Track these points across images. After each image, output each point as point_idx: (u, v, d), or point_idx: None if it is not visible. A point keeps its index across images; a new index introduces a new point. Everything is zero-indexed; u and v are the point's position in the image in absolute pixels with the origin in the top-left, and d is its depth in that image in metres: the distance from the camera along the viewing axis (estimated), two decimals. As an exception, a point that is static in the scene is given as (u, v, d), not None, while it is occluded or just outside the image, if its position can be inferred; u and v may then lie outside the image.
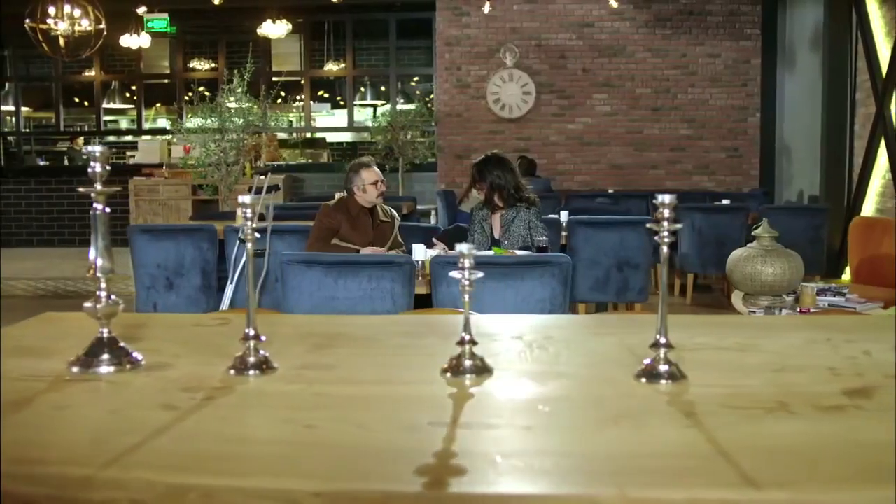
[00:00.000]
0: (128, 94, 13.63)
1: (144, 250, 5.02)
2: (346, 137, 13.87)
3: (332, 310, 3.32)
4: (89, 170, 1.72)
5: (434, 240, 4.26)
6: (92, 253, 1.74)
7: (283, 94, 13.94)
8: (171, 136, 8.90)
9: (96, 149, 1.69)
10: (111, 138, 13.70)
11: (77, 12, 7.07)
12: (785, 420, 1.35)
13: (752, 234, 4.17)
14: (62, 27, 6.95)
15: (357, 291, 3.35)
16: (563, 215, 6.05)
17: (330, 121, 14.07)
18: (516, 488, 1.06)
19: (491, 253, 4.08)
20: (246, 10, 11.35)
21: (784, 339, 1.96)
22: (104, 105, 13.34)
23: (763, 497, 1.03)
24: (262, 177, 4.92)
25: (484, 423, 1.34)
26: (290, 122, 13.89)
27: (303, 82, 12.92)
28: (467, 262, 1.62)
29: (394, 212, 4.70)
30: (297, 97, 13.74)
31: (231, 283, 4.76)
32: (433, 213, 10.48)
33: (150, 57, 13.16)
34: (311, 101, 13.82)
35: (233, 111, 7.13)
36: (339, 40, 13.16)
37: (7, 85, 13.09)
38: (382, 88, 13.55)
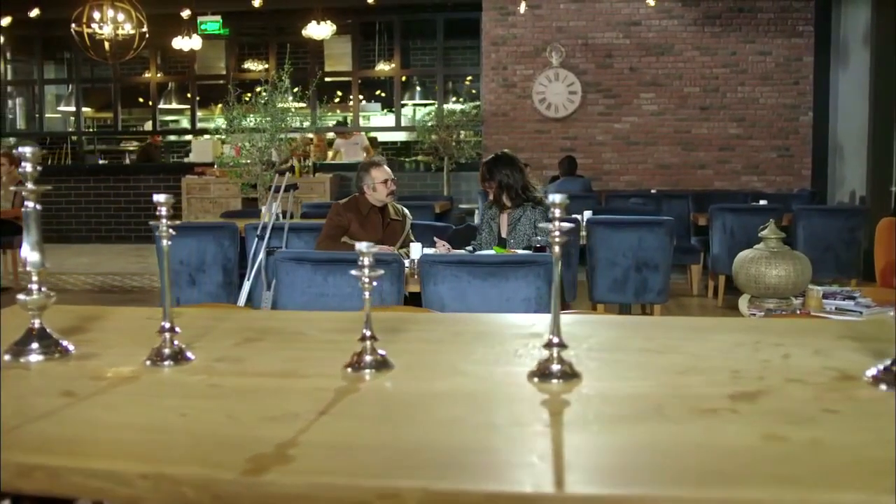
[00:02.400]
0: (189, 95, 13.99)
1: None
2: (401, 137, 13.99)
3: (323, 306, 3.39)
4: (20, 169, 1.81)
5: (435, 239, 4.31)
6: (24, 248, 1.84)
7: (339, 93, 14.15)
8: (224, 136, 9.10)
9: (27, 149, 1.79)
10: (172, 137, 14.13)
11: (120, 16, 7.33)
12: (647, 421, 1.36)
13: (759, 235, 4.10)
14: (106, 31, 7.21)
15: (345, 288, 3.42)
16: (587, 214, 6.02)
17: (383, 120, 14.21)
18: (321, 479, 1.10)
19: (492, 252, 4.10)
20: (297, 11, 11.55)
21: (713, 341, 1.95)
22: (164, 105, 13.75)
23: (555, 494, 1.04)
24: (281, 175, 5.03)
25: (347, 416, 1.39)
26: (345, 121, 14.06)
27: (352, 82, 13.06)
28: (366, 261, 1.66)
29: (405, 210, 4.75)
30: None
31: (248, 279, 4.89)
32: (476, 212, 10.54)
33: (206, 58, 13.49)
34: (365, 101, 14.01)
35: (270, 111, 7.27)
36: (389, 41, 13.29)
37: (70, 86, 13.59)
38: (437, 88, 13.64)
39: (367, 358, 1.66)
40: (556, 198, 1.58)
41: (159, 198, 1.70)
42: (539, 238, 4.15)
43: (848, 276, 6.44)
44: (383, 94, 14.39)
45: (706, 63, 10.85)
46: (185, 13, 9.27)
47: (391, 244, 4.53)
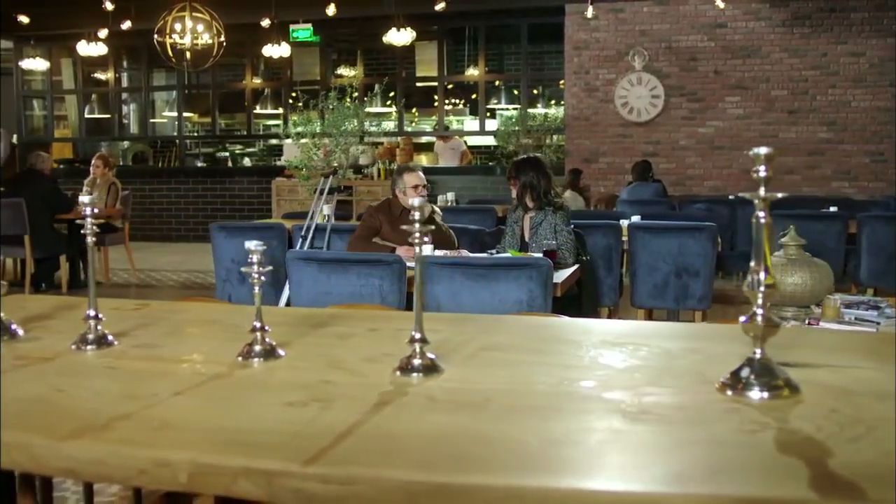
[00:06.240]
0: (291, 100, 14.49)
1: (222, 246, 5.48)
2: (490, 141, 14.11)
3: (327, 303, 3.55)
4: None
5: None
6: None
7: (436, 97, 14.39)
8: (293, 139, 9.45)
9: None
10: (273, 141, 14.68)
11: (199, 27, 7.76)
12: (461, 413, 1.45)
13: (779, 242, 4.03)
14: (187, 41, 7.65)
15: (347, 287, 3.58)
16: (635, 219, 5.99)
17: (471, 125, 14.36)
18: (114, 447, 1.26)
19: (507, 255, 4.18)
20: (387, 17, 11.80)
21: (620, 343, 1.97)
22: (261, 110, 14.33)
23: (297, 471, 1.16)
24: (326, 178, 5.25)
25: (197, 397, 1.53)
26: (444, 126, 14.27)
27: (438, 87, 13.25)
28: (255, 258, 1.81)
29: (436, 209, 4.88)
30: (448, 101, 14.06)
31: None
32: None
33: (303, 64, 13.94)
34: (454, 106, 14.21)
35: (335, 117, 7.53)
36: (474, 46, 13.42)
37: (174, 92, 14.36)
38: (520, 92, 13.68)
39: (257, 348, 1.81)
40: (414, 201, 1.69)
41: (84, 199, 1.89)
42: (549, 242, 4.21)
43: (913, 287, 6.16)
44: (475, 97, 14.54)
45: (795, 65, 10.52)
46: (265, 22, 9.67)
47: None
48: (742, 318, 1.61)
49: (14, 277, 8.23)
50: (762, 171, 1.57)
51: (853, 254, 6.46)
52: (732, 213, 8.27)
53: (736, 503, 1.11)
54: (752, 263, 1.61)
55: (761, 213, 1.59)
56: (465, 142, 13.53)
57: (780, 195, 1.60)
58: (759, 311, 1.58)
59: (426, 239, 1.72)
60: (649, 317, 5.80)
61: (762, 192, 1.58)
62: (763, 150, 1.56)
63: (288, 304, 5.00)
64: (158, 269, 9.80)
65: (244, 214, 12.66)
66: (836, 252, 6.41)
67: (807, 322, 3.71)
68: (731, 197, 9.60)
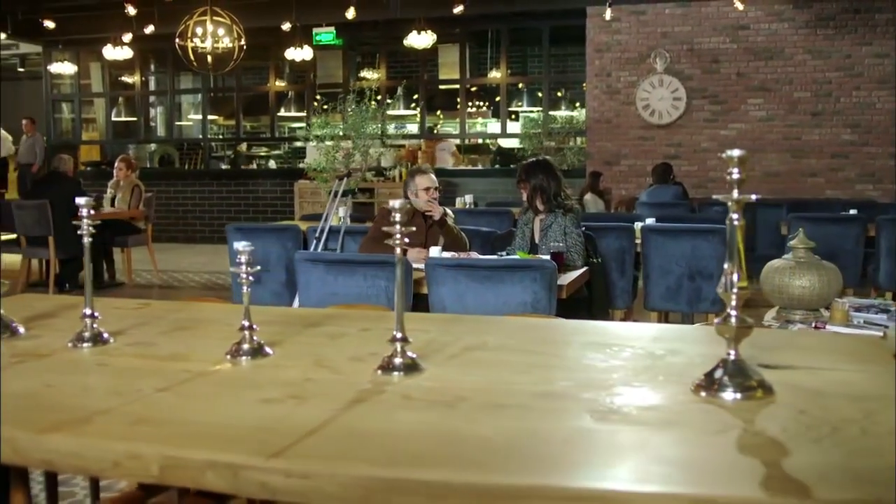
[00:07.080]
0: (315, 103, 14.58)
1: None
2: (512, 143, 14.11)
3: (334, 304, 3.60)
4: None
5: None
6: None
7: (458, 100, 14.42)
8: (313, 141, 9.53)
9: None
10: (298, 144, 14.78)
11: (220, 31, 7.86)
12: (430, 411, 1.48)
13: (788, 245, 4.01)
14: (207, 45, 7.75)
15: (354, 289, 3.62)
16: (649, 222, 5.98)
17: (493, 127, 14.38)
18: (88, 440, 1.30)
19: (515, 257, 4.20)
20: (409, 21, 11.85)
21: (606, 345, 1.99)
22: (285, 113, 14.45)
23: (260, 465, 1.20)
24: (340, 180, 5.30)
25: (181, 394, 1.58)
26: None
27: (459, 90, 13.28)
28: (243, 258, 1.85)
29: (449, 211, 4.90)
30: (472, 104, 14.06)
31: (303, 278, 5.16)
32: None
33: (327, 67, 14.04)
34: (480, 108, 14.23)
35: (352, 119, 7.58)
36: (496, 49, 13.44)
37: (199, 96, 14.52)
38: (542, 95, 13.66)
39: (245, 346, 1.85)
40: (395, 203, 1.72)
41: (80, 201, 1.94)
42: (557, 244, 4.23)
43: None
44: (498, 100, 14.54)
45: (818, 67, 10.42)
46: (286, 25, 9.77)
47: (433, 246, 4.68)
48: (716, 320, 1.63)
49: (39, 278, 8.37)
50: (735, 174, 1.59)
51: (872, 257, 6.40)
52: (752, 216, 8.22)
53: (690, 502, 1.13)
54: (726, 265, 1.63)
55: (735, 216, 1.61)
56: (492, 143, 13.61)
57: (753, 197, 1.62)
58: (733, 313, 1.60)
59: (406, 240, 1.75)
60: (665, 320, 5.79)
61: (735, 194, 1.60)
62: (736, 153, 1.57)
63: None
64: (181, 269, 9.91)
65: (267, 216, 12.77)
66: (855, 255, 6.36)
67: (813, 325, 3.70)
68: (753, 198, 9.52)
